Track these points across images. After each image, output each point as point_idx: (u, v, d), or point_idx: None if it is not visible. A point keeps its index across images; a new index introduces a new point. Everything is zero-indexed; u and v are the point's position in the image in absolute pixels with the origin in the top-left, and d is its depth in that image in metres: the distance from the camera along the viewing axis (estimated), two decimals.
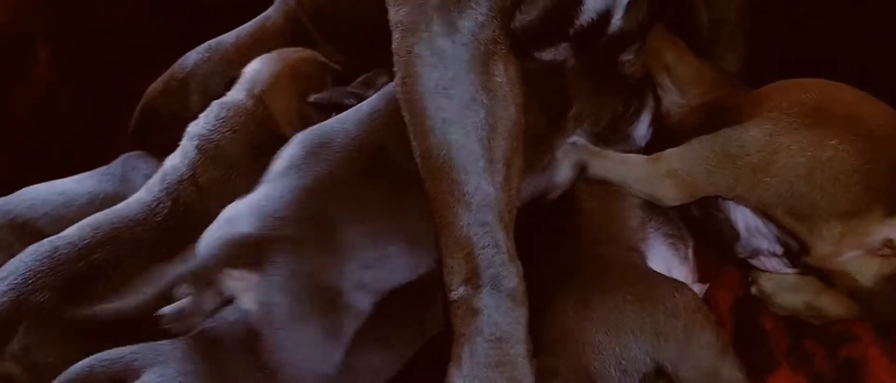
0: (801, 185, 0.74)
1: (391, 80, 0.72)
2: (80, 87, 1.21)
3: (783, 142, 0.75)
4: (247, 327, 0.67)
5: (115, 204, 0.86)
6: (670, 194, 0.80)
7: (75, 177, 0.99)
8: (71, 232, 0.79)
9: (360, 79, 0.91)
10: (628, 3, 0.80)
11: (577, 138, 0.81)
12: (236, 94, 0.91)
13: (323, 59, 0.95)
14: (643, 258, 0.77)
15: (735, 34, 0.92)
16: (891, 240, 0.74)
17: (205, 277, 0.68)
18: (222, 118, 0.88)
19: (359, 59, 1.01)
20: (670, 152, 0.80)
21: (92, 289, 0.73)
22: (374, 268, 0.70)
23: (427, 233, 0.71)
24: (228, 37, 1.10)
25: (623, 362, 0.67)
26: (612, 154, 0.83)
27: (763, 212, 0.78)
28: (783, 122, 0.76)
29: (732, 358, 0.68)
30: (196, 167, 0.84)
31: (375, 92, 0.86)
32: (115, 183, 0.98)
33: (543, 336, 0.70)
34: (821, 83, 0.82)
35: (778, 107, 0.78)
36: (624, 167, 0.81)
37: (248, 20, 1.12)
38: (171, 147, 1.03)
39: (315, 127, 0.79)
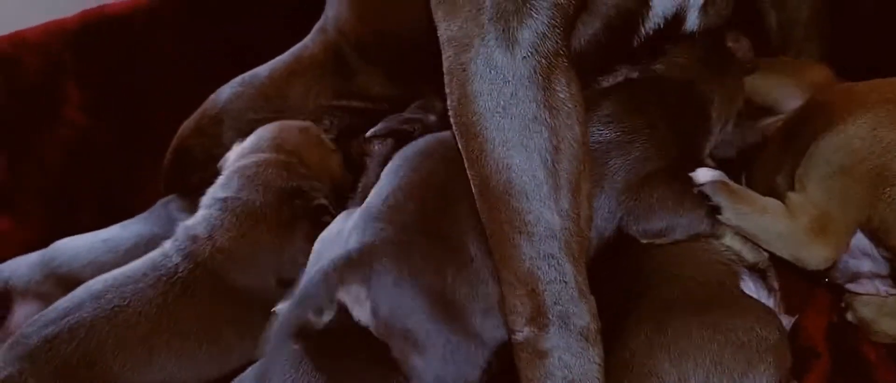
0: None
1: (444, 103, 0.67)
2: (113, 127, 1.20)
3: (882, 147, 0.67)
4: (370, 339, 0.65)
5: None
6: (821, 256, 0.70)
7: (119, 225, 0.98)
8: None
9: (416, 104, 0.89)
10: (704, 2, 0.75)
11: (711, 171, 0.72)
12: (256, 154, 0.89)
13: (318, 128, 0.96)
14: (735, 277, 0.70)
15: (809, 36, 0.85)
16: None
17: (319, 306, 0.66)
18: (248, 176, 0.86)
19: (406, 86, 0.98)
20: (796, 197, 0.71)
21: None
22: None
23: None
24: (263, 70, 1.07)
25: None
26: (750, 196, 0.72)
27: (863, 228, 0.70)
28: (879, 119, 0.67)
29: None
30: (215, 228, 0.82)
31: (435, 116, 0.84)
32: (160, 225, 0.96)
33: (612, 358, 0.64)
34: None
35: (866, 105, 0.70)
36: (764, 219, 0.70)
37: (285, 50, 1.10)
38: (206, 188, 1.02)
39: (412, 143, 0.78)
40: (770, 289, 0.73)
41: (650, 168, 0.72)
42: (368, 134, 0.89)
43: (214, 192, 0.86)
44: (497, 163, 0.62)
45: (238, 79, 1.06)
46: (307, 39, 1.08)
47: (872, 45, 0.90)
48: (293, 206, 0.83)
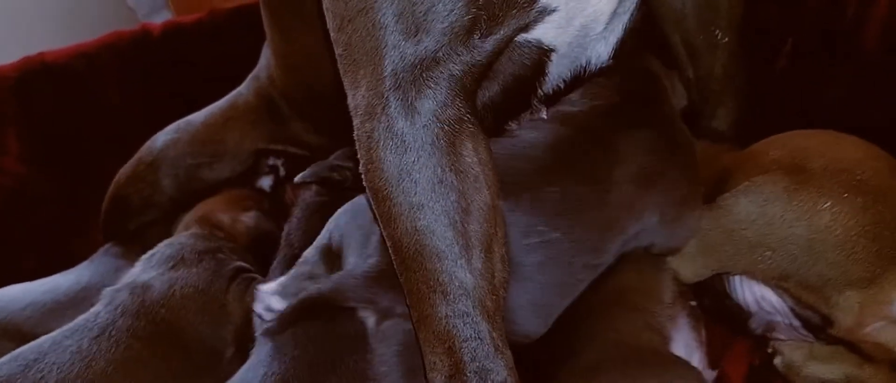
0: (805, 257, 0.71)
1: None
2: (54, 175, 1.20)
3: (775, 211, 0.72)
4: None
5: (99, 293, 0.85)
6: (688, 271, 0.77)
7: (61, 273, 0.99)
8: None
9: (340, 152, 0.91)
10: (603, 63, 0.78)
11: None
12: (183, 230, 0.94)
13: (254, 191, 1.00)
14: (666, 341, 0.73)
15: (724, 89, 0.89)
16: None
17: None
18: (174, 243, 0.90)
19: (332, 137, 1.01)
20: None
21: None
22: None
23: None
24: (198, 116, 1.09)
25: None
26: None
27: (774, 285, 0.75)
28: (770, 188, 0.73)
29: None
30: (149, 277, 0.85)
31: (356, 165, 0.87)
32: (101, 273, 0.98)
33: None
34: (803, 136, 0.80)
35: (763, 169, 0.75)
36: None
37: (219, 98, 1.12)
38: (144, 235, 1.03)
39: None
40: (700, 343, 0.77)
41: None
42: (296, 179, 0.91)
43: (146, 255, 0.90)
44: (407, 225, 0.64)
45: (173, 126, 1.09)
46: (242, 87, 1.11)
47: (786, 97, 0.94)
48: (214, 258, 0.87)
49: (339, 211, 0.80)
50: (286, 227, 0.90)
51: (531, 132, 0.76)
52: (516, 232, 0.70)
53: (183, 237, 0.92)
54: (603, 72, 0.78)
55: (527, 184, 0.72)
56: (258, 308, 0.77)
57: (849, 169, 0.73)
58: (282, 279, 0.78)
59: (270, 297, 0.77)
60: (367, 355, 0.70)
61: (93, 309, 0.82)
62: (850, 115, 0.88)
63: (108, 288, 0.84)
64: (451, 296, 0.64)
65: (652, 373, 0.67)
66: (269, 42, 1.03)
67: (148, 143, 1.08)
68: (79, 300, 0.92)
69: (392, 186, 0.64)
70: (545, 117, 0.78)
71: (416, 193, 0.63)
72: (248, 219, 0.94)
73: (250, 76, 1.11)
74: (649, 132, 0.76)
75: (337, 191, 0.87)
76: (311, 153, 1.05)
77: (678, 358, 0.71)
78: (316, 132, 1.04)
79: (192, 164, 1.05)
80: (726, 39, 0.86)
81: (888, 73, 0.85)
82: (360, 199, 0.78)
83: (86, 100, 1.25)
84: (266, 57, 1.08)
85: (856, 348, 0.74)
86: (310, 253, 0.79)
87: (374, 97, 0.63)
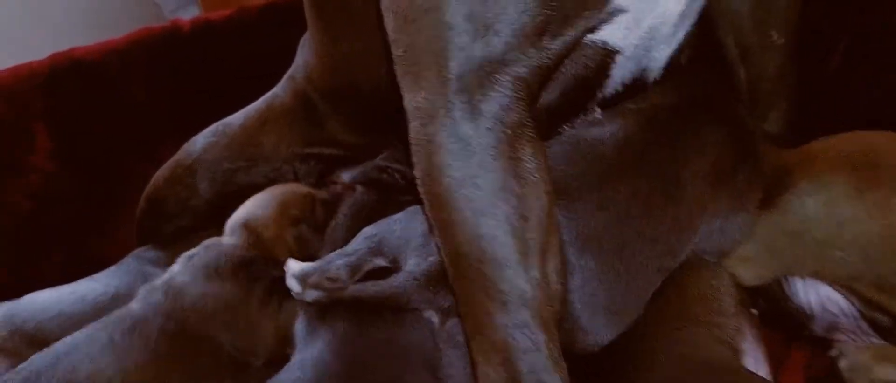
0: (879, 256, 0.69)
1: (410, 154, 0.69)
2: (83, 174, 1.20)
3: (846, 210, 0.70)
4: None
5: (129, 300, 0.85)
6: (748, 274, 0.76)
7: (89, 278, 0.98)
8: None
9: (386, 154, 0.90)
10: (667, 62, 0.77)
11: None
12: (227, 235, 0.93)
13: (312, 191, 0.98)
14: (738, 354, 0.72)
15: (777, 91, 0.88)
16: None
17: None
18: (212, 245, 0.90)
19: (372, 134, 1.00)
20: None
21: None
22: None
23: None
24: (235, 118, 1.08)
25: None
26: None
27: (841, 286, 0.73)
28: (839, 186, 0.71)
29: None
30: (184, 282, 0.85)
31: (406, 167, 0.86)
32: (131, 279, 0.98)
33: None
34: (868, 135, 0.78)
35: (829, 167, 0.73)
36: None
37: (255, 98, 1.11)
38: (181, 237, 1.03)
39: None
40: (765, 355, 0.75)
41: None
42: (346, 179, 0.90)
43: (188, 253, 0.89)
44: (468, 232, 0.63)
45: (211, 128, 1.08)
46: (277, 87, 1.10)
47: (839, 98, 0.93)
48: (248, 272, 0.87)
49: (391, 219, 0.79)
50: (332, 224, 0.89)
51: (593, 129, 0.75)
52: (585, 235, 0.69)
53: (224, 243, 0.92)
54: (664, 75, 0.77)
55: (595, 184, 0.71)
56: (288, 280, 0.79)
57: None
58: (305, 266, 0.78)
59: (290, 278, 0.78)
60: (437, 355, 0.70)
61: (128, 306, 0.83)
62: None
63: (146, 285, 0.85)
64: (511, 306, 0.63)
65: None
66: (311, 39, 1.02)
67: (186, 146, 1.07)
68: (108, 309, 0.90)
69: (454, 192, 0.63)
70: (601, 116, 0.77)
71: (479, 199, 0.63)
72: (292, 236, 0.93)
73: (286, 76, 1.10)
74: (718, 130, 0.75)
75: (385, 193, 0.86)
76: (348, 152, 1.04)
77: (753, 374, 0.69)
78: (353, 131, 1.03)
79: (229, 168, 1.04)
80: (782, 41, 0.85)
81: None
82: (412, 208, 0.77)
83: (113, 98, 1.24)
84: (303, 55, 1.07)
85: None
86: (338, 257, 0.78)
87: (438, 99, 0.62)
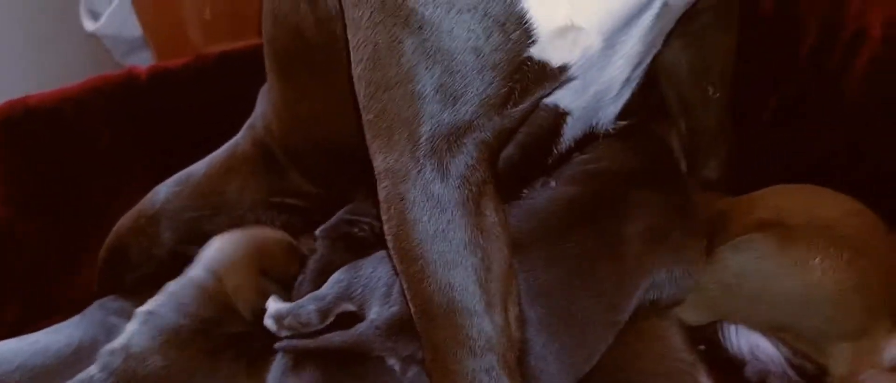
0: (801, 311, 0.76)
1: (376, 208, 0.74)
2: (40, 222, 1.20)
3: (770, 267, 0.77)
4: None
5: (93, 353, 0.85)
6: (687, 315, 0.82)
7: (51, 328, 0.98)
8: None
9: (350, 206, 0.93)
10: (614, 119, 0.84)
11: None
12: (195, 270, 0.94)
13: (293, 243, 0.98)
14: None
15: (715, 140, 0.96)
16: None
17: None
18: (175, 294, 0.90)
19: (333, 189, 1.04)
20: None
21: None
22: None
23: None
24: (198, 167, 1.11)
25: None
26: None
27: (770, 335, 0.80)
28: (764, 245, 0.78)
29: None
30: (138, 347, 0.85)
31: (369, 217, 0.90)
32: (94, 330, 0.97)
33: None
34: (783, 191, 0.86)
35: (750, 223, 0.81)
36: None
37: (217, 144, 1.14)
38: (144, 286, 1.04)
39: None
40: None
41: None
42: (317, 233, 0.93)
43: (146, 306, 0.89)
44: (438, 283, 0.68)
45: (174, 178, 1.10)
46: (238, 136, 1.12)
47: (771, 148, 1.01)
48: (210, 335, 0.87)
49: (355, 265, 0.83)
50: (300, 278, 0.91)
51: (545, 193, 0.81)
52: (537, 288, 0.74)
53: (188, 295, 0.91)
54: (612, 132, 0.84)
55: (545, 240, 0.77)
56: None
57: (830, 225, 0.79)
58: (281, 306, 0.82)
59: (267, 318, 0.82)
60: None
61: (87, 371, 0.83)
62: (835, 166, 0.95)
63: (105, 349, 0.85)
64: (478, 351, 0.68)
65: None
66: (270, 94, 1.05)
67: (149, 195, 1.08)
68: (71, 362, 0.91)
69: (426, 246, 0.68)
70: (554, 185, 0.83)
71: (449, 252, 0.68)
72: (255, 288, 0.92)
73: (247, 124, 1.13)
74: (657, 192, 0.81)
75: (354, 247, 0.89)
76: (310, 203, 1.07)
77: None
78: (314, 183, 1.07)
79: (192, 217, 1.06)
80: (718, 95, 0.93)
81: (869, 124, 0.93)
82: (378, 254, 0.81)
83: (71, 144, 1.25)
84: (262, 105, 1.10)
85: None
86: (309, 302, 0.82)
87: (410, 161, 0.67)
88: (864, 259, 0.77)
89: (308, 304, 0.81)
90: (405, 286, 0.71)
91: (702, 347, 0.83)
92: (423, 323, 0.70)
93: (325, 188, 1.06)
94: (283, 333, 0.81)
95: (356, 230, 0.88)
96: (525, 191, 0.82)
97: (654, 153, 0.86)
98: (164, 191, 1.08)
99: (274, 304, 0.83)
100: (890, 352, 0.75)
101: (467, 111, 0.65)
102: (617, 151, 0.84)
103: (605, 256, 0.76)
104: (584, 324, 0.74)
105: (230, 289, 0.92)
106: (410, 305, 0.71)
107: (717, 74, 0.93)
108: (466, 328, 0.68)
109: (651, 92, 0.91)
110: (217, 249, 0.96)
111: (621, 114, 0.84)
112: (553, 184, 0.82)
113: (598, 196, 0.79)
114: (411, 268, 0.69)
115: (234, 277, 0.93)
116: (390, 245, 0.71)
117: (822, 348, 0.77)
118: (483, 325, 0.68)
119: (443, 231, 0.67)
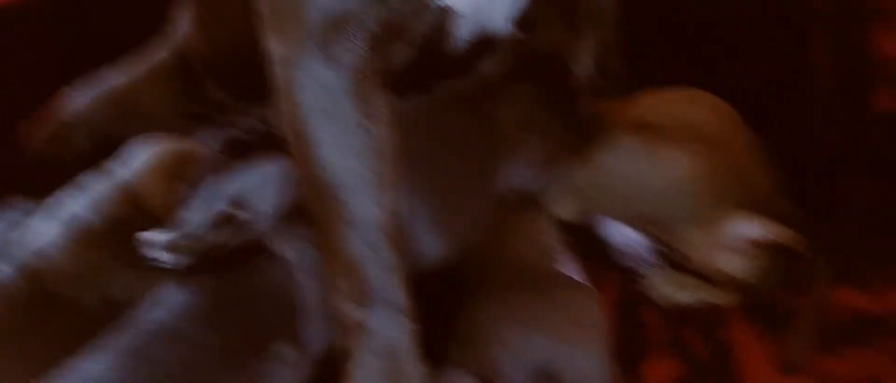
0: (659, 203, 0.86)
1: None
2: None
3: (636, 166, 0.87)
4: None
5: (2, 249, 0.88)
6: (565, 212, 0.91)
7: None
8: None
9: (246, 117, 0.97)
10: (508, 28, 0.89)
11: None
12: (114, 170, 0.96)
13: (210, 154, 1.00)
14: (559, 264, 0.86)
15: (607, 52, 1.02)
16: (748, 239, 0.85)
17: None
18: (90, 191, 0.92)
19: (248, 97, 1.06)
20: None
21: None
22: None
23: None
24: (114, 75, 1.13)
25: (523, 357, 0.75)
26: None
27: (636, 226, 0.89)
28: (632, 145, 0.87)
29: (608, 374, 0.76)
30: (51, 243, 0.87)
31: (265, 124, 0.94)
32: (1, 227, 0.98)
33: (458, 328, 0.78)
34: (662, 95, 0.94)
35: (626, 125, 0.89)
36: None
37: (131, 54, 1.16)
38: (56, 191, 1.06)
39: None
40: (580, 272, 0.89)
41: None
42: (204, 140, 0.96)
43: (58, 200, 0.93)
44: (326, 163, 0.74)
45: (90, 84, 1.13)
46: (157, 45, 1.15)
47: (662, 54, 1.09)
48: (121, 236, 0.88)
49: (244, 169, 0.87)
50: (193, 191, 0.91)
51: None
52: (418, 162, 0.81)
53: (103, 194, 0.93)
54: (508, 38, 0.90)
55: (427, 118, 0.84)
56: (147, 253, 0.83)
57: (696, 125, 0.89)
58: (170, 234, 0.83)
59: (158, 250, 0.82)
60: (294, 286, 0.79)
61: None
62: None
63: (12, 243, 0.88)
64: (363, 228, 0.74)
65: (555, 288, 0.80)
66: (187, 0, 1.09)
67: (63, 100, 1.11)
68: None
69: (313, 126, 0.73)
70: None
71: (334, 133, 0.73)
72: (171, 194, 0.93)
73: (164, 33, 1.16)
74: (539, 86, 0.88)
75: (247, 153, 0.91)
76: (226, 113, 1.11)
77: (576, 280, 0.84)
78: (230, 92, 1.10)
79: (108, 124, 1.09)
80: (610, 5, 0.99)
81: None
82: (265, 156, 0.86)
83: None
84: (180, 15, 1.13)
85: (703, 275, 0.89)
86: (202, 214, 0.84)
87: (300, 48, 0.72)
88: (720, 155, 0.86)
89: (195, 217, 0.84)
90: (297, 166, 0.76)
91: (572, 239, 0.91)
92: (313, 204, 0.76)
93: (240, 98, 1.09)
94: (178, 260, 0.81)
95: (245, 136, 0.92)
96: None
97: (544, 54, 0.92)
98: (79, 97, 1.11)
99: (157, 236, 0.82)
100: (735, 236, 0.85)
101: (350, 1, 0.70)
102: (500, 58, 0.90)
103: (479, 133, 0.84)
104: (458, 193, 0.81)
105: (145, 194, 0.95)
106: (302, 185, 0.77)
107: None
108: (351, 205, 0.74)
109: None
110: (137, 153, 0.98)
111: (519, 22, 0.89)
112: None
113: (479, 84, 0.86)
114: (302, 148, 0.75)
115: (150, 182, 0.96)
116: (283, 128, 0.76)
117: (679, 236, 0.87)
118: (367, 203, 0.74)
119: (331, 114, 0.73)
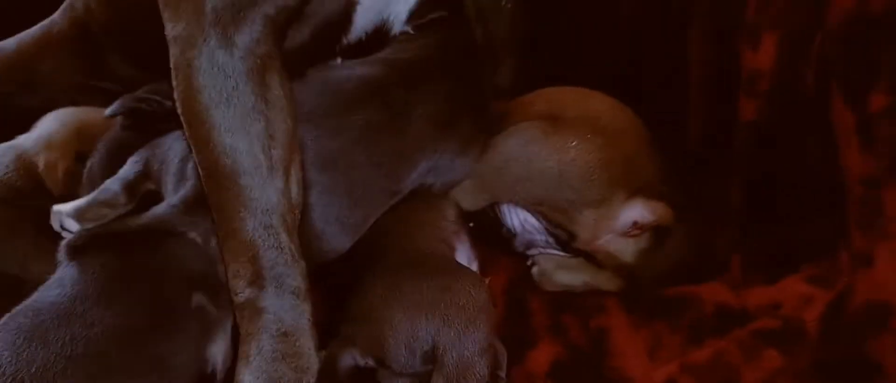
0: (556, 185, 0.91)
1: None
2: None
3: (535, 150, 0.92)
4: None
5: None
6: (467, 201, 0.95)
7: None
8: None
9: (147, 87, 0.96)
10: (408, 17, 0.92)
11: None
12: (20, 139, 0.97)
13: (107, 123, 1.00)
14: (452, 250, 0.90)
15: (506, 48, 1.07)
16: (635, 222, 0.92)
17: None
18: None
19: (148, 70, 1.06)
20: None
21: None
22: None
23: None
24: (9, 42, 1.12)
25: (412, 340, 0.78)
26: None
27: (533, 210, 0.94)
28: (532, 131, 0.92)
29: (489, 358, 0.79)
30: None
31: (171, 101, 0.92)
32: None
33: (351, 308, 0.80)
34: (561, 90, 1.00)
35: (526, 116, 0.94)
36: None
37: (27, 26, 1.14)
38: None
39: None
40: (476, 257, 0.94)
41: None
42: (106, 113, 0.94)
43: None
44: (222, 147, 0.75)
45: None
46: (56, 14, 1.13)
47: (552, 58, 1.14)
48: (17, 206, 0.90)
49: (152, 144, 0.87)
50: (89, 163, 0.93)
51: (342, 71, 0.89)
52: (323, 155, 0.83)
53: (4, 162, 0.94)
54: (410, 30, 0.92)
55: (334, 112, 0.85)
56: (54, 224, 0.82)
57: (593, 117, 0.94)
58: (79, 202, 0.82)
59: (65, 218, 0.82)
60: (207, 270, 0.79)
61: None
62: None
63: None
64: (257, 211, 0.76)
65: (444, 274, 0.83)
66: None
67: None
68: None
69: (210, 111, 0.74)
70: (343, 63, 0.90)
71: (232, 118, 0.74)
72: (64, 169, 0.95)
73: (65, 4, 1.14)
74: (448, 83, 0.91)
75: (144, 124, 0.91)
76: (126, 87, 1.10)
77: (462, 265, 0.88)
78: (132, 65, 1.10)
79: (2, 92, 1.07)
80: (509, 6, 1.03)
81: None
82: (174, 133, 0.86)
83: None
84: None
85: (593, 258, 0.95)
86: (112, 183, 0.85)
87: (196, 30, 0.73)
88: (611, 144, 0.92)
89: (112, 185, 0.84)
90: (193, 150, 0.77)
91: (471, 224, 0.95)
92: (210, 186, 0.77)
93: (142, 70, 1.08)
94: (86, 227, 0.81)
95: (144, 106, 0.91)
96: (317, 68, 0.89)
97: (458, 48, 0.96)
98: None
99: (65, 206, 0.82)
100: (622, 220, 0.92)
101: None
102: (421, 45, 0.93)
103: (388, 130, 0.86)
104: (363, 188, 0.84)
105: (43, 165, 0.95)
106: (198, 169, 0.78)
107: None
108: (248, 189, 0.75)
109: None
110: (43, 125, 0.98)
111: (416, 12, 0.92)
112: (339, 62, 0.90)
113: (391, 78, 0.88)
114: (198, 132, 0.76)
115: (50, 154, 0.96)
116: (179, 110, 0.77)
117: (572, 217, 0.93)
118: (264, 187, 0.76)
119: (227, 97, 0.74)
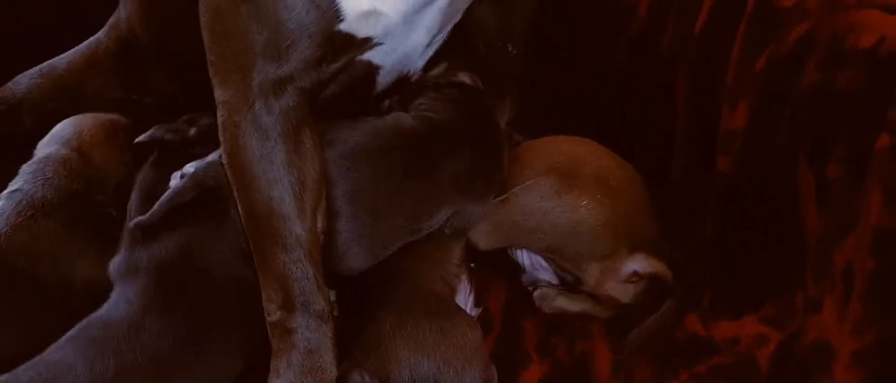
0: (567, 239, 1.06)
1: (212, 121, 0.93)
2: None
3: (548, 206, 1.05)
4: None
5: None
6: (483, 242, 1.09)
7: None
8: None
9: (183, 118, 1.08)
10: (424, 68, 1.05)
11: None
12: (49, 148, 1.05)
13: (125, 121, 1.11)
14: (452, 292, 1.04)
15: (511, 88, 1.20)
16: (636, 272, 1.07)
17: None
18: (35, 170, 1.02)
19: (188, 86, 1.14)
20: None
21: None
22: None
23: None
24: (60, 61, 1.23)
25: (415, 376, 0.91)
26: None
27: (544, 255, 1.09)
28: (547, 189, 1.05)
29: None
30: (8, 224, 0.96)
31: (197, 129, 1.05)
32: None
33: (362, 336, 0.94)
34: (569, 143, 1.13)
35: (541, 168, 1.07)
36: None
37: (79, 43, 1.25)
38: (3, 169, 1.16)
39: None
40: (471, 292, 1.09)
41: None
42: (136, 141, 1.06)
43: (10, 187, 1.02)
44: (261, 194, 0.89)
45: (36, 69, 1.22)
46: (101, 33, 1.25)
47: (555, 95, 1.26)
48: (74, 207, 0.99)
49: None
50: (130, 204, 1.02)
51: (385, 119, 1.03)
52: (354, 188, 0.97)
53: (52, 170, 1.01)
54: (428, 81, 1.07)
55: (372, 152, 0.99)
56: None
57: (603, 177, 1.08)
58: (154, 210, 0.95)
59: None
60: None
61: None
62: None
63: None
64: (289, 247, 0.90)
65: (443, 317, 0.96)
66: None
67: (10, 84, 1.20)
68: None
69: (254, 165, 0.89)
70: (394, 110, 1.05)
71: (271, 171, 0.89)
72: (120, 163, 1.03)
73: (110, 22, 1.25)
74: (474, 149, 1.04)
75: (174, 154, 1.03)
76: (166, 103, 1.21)
77: (459, 306, 1.02)
78: (173, 80, 1.20)
79: (52, 109, 1.18)
80: (516, 51, 1.16)
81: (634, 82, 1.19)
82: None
83: None
84: (125, 5, 1.22)
85: (595, 298, 1.10)
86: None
87: (243, 98, 0.86)
88: (620, 203, 1.06)
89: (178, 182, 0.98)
90: (236, 195, 0.91)
91: (472, 265, 1.10)
92: (249, 225, 0.92)
93: (183, 85, 1.17)
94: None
95: (169, 136, 1.03)
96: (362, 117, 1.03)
97: (478, 112, 1.09)
98: (24, 81, 1.21)
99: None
100: (624, 272, 1.07)
101: (289, 67, 0.85)
102: (447, 107, 1.06)
103: (416, 176, 1.00)
104: (383, 222, 0.98)
105: (98, 163, 1.05)
106: (240, 211, 0.92)
107: (518, 33, 1.16)
108: (281, 230, 0.90)
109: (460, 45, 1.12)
110: (70, 128, 1.07)
111: (430, 65, 1.05)
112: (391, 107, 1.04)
113: (422, 133, 1.02)
114: (241, 181, 0.90)
115: (98, 152, 1.06)
116: (225, 162, 0.91)
117: (580, 265, 1.08)
118: (295, 228, 0.90)
119: (267, 154, 0.88)
